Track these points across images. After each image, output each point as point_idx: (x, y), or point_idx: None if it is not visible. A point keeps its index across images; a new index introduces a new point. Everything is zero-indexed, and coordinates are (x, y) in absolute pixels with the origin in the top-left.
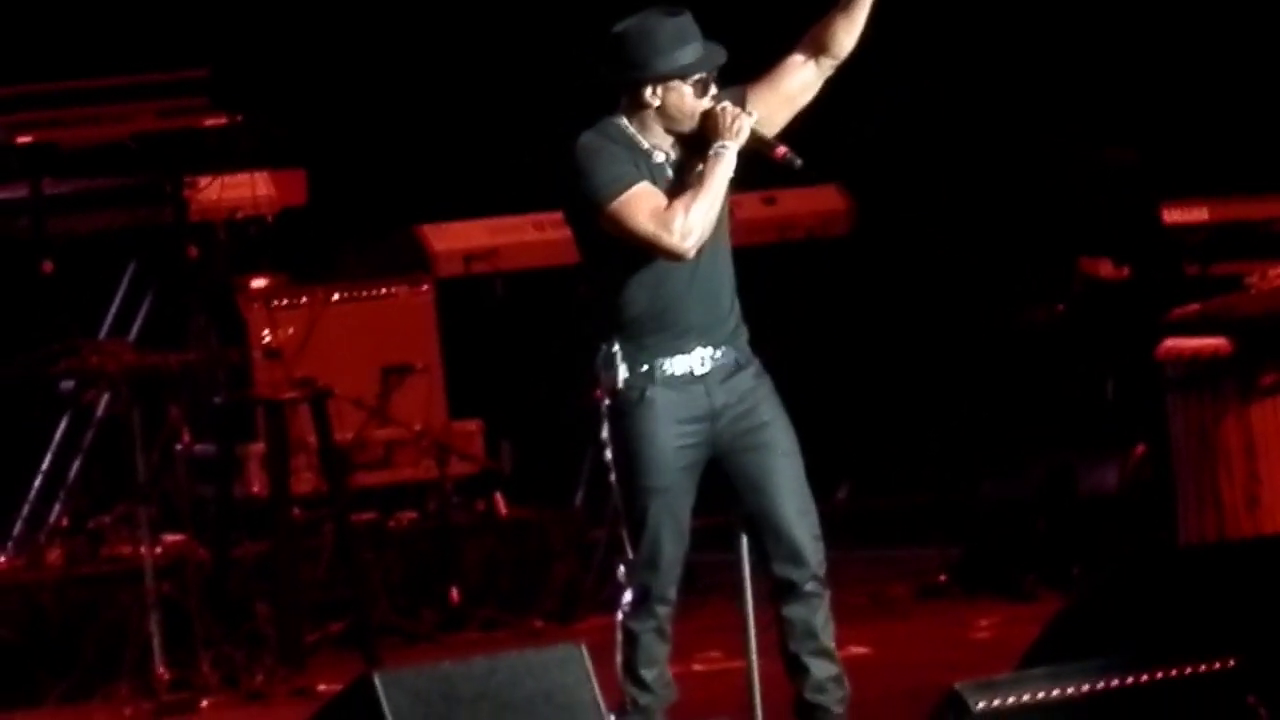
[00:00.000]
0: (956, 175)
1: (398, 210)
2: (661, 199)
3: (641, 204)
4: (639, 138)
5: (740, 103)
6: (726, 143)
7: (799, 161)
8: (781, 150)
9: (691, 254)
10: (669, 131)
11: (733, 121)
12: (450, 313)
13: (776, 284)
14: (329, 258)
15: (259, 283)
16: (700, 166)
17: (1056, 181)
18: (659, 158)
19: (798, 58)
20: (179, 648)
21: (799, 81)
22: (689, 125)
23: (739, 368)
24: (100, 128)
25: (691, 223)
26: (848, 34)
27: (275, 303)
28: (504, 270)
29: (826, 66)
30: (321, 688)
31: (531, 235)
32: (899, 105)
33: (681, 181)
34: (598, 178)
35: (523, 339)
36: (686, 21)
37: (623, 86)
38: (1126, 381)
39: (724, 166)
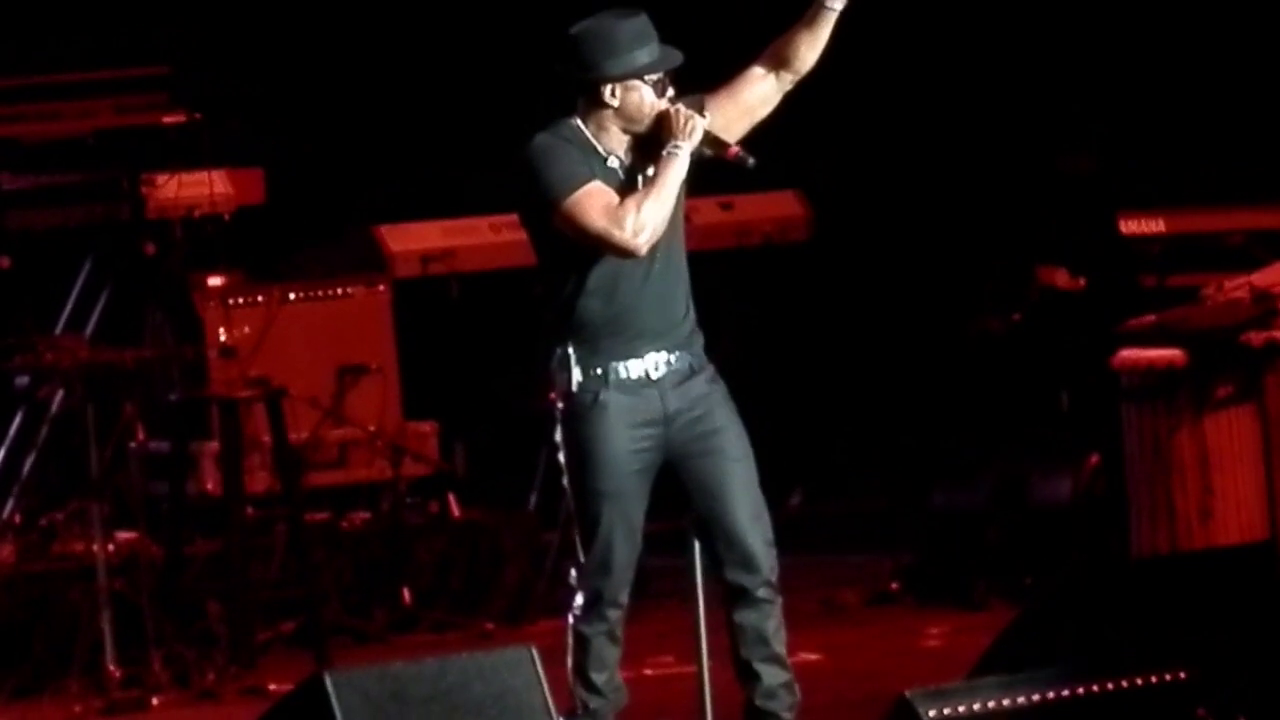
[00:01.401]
0: (914, 183)
1: (355, 210)
2: (614, 196)
3: (594, 201)
4: (594, 140)
5: (698, 109)
6: (679, 143)
7: (752, 160)
8: (734, 150)
9: (643, 251)
10: (626, 132)
11: (685, 122)
12: (406, 314)
13: (733, 289)
14: (286, 257)
15: (215, 281)
16: (653, 168)
17: (1014, 191)
18: (613, 162)
19: (759, 70)
20: (130, 645)
21: (758, 94)
22: (644, 125)
23: (693, 372)
24: (59, 123)
25: (644, 220)
26: (810, 50)
27: (231, 301)
28: (460, 272)
29: (787, 81)
30: (272, 687)
31: (488, 237)
32: None
33: (634, 185)
34: (551, 176)
35: (478, 341)
36: (643, 23)
37: (581, 87)
38: (1081, 391)
39: (677, 167)
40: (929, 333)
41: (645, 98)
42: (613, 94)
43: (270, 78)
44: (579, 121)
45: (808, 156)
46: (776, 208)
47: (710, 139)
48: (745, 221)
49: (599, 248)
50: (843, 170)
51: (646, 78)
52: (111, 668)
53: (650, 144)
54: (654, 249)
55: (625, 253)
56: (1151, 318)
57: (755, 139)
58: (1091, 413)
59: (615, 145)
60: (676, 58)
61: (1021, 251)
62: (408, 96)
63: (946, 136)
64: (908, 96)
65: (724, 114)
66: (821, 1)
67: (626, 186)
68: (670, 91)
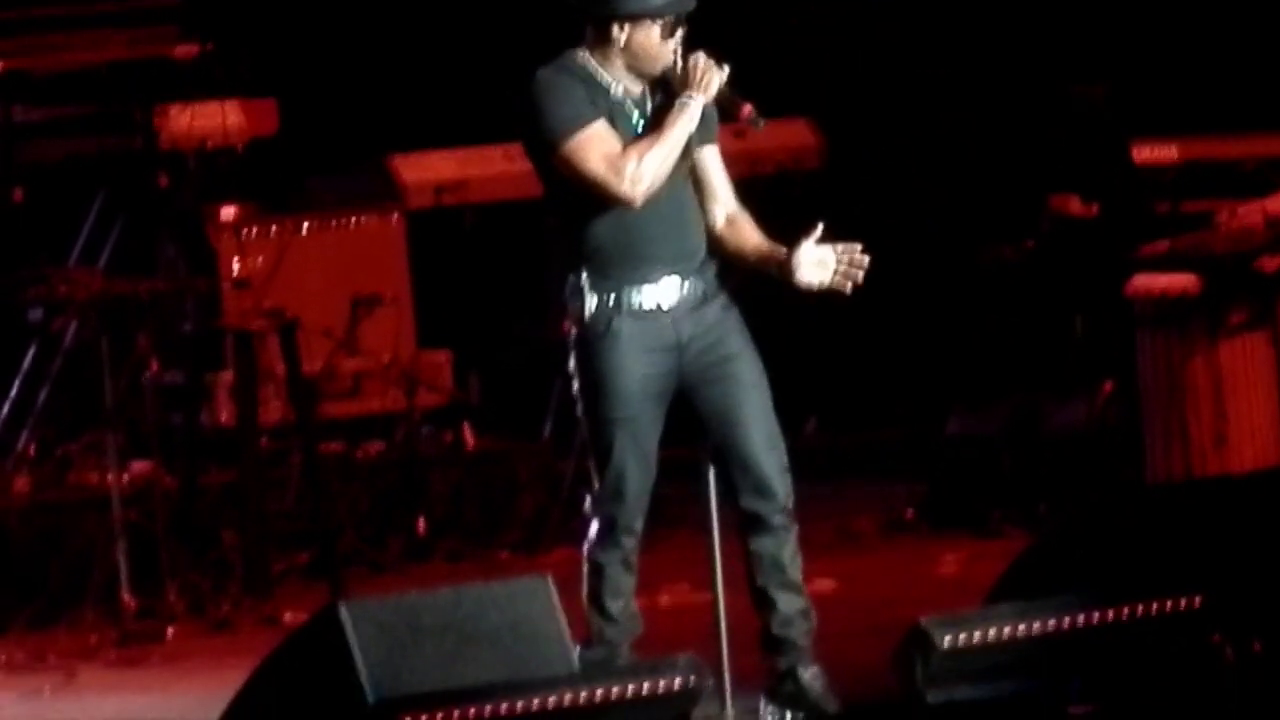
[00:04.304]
0: (926, 111)
1: (368, 141)
2: (616, 143)
3: (595, 146)
4: (600, 72)
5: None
6: (694, 95)
7: (762, 123)
8: (747, 110)
9: (639, 202)
10: (630, 70)
11: (703, 75)
12: (420, 244)
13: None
14: (299, 188)
15: (229, 212)
16: (661, 103)
17: (1026, 118)
18: (618, 92)
19: (723, 207)
20: (145, 576)
21: (707, 196)
22: (651, 67)
23: (706, 299)
24: (71, 55)
25: (644, 170)
26: (727, 254)
27: (245, 232)
28: (474, 201)
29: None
30: (288, 617)
31: (502, 167)
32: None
33: (641, 115)
34: (553, 116)
35: (492, 270)
36: None
37: (591, 19)
38: (1095, 319)
39: (686, 119)
40: (943, 261)
41: (654, 38)
42: (620, 29)
43: (282, 7)
44: (585, 53)
45: (820, 84)
46: (789, 136)
47: (724, 95)
48: (758, 150)
49: (595, 193)
50: (855, 98)
51: (656, 20)
52: (126, 598)
53: (662, 82)
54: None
55: (621, 202)
56: (1165, 244)
57: (767, 68)
58: (1105, 340)
59: (622, 76)
60: (689, 3)
61: (1034, 179)
62: (421, 25)
63: (959, 64)
64: (920, 23)
65: (700, 162)
66: (787, 269)
67: (634, 118)
68: (679, 34)
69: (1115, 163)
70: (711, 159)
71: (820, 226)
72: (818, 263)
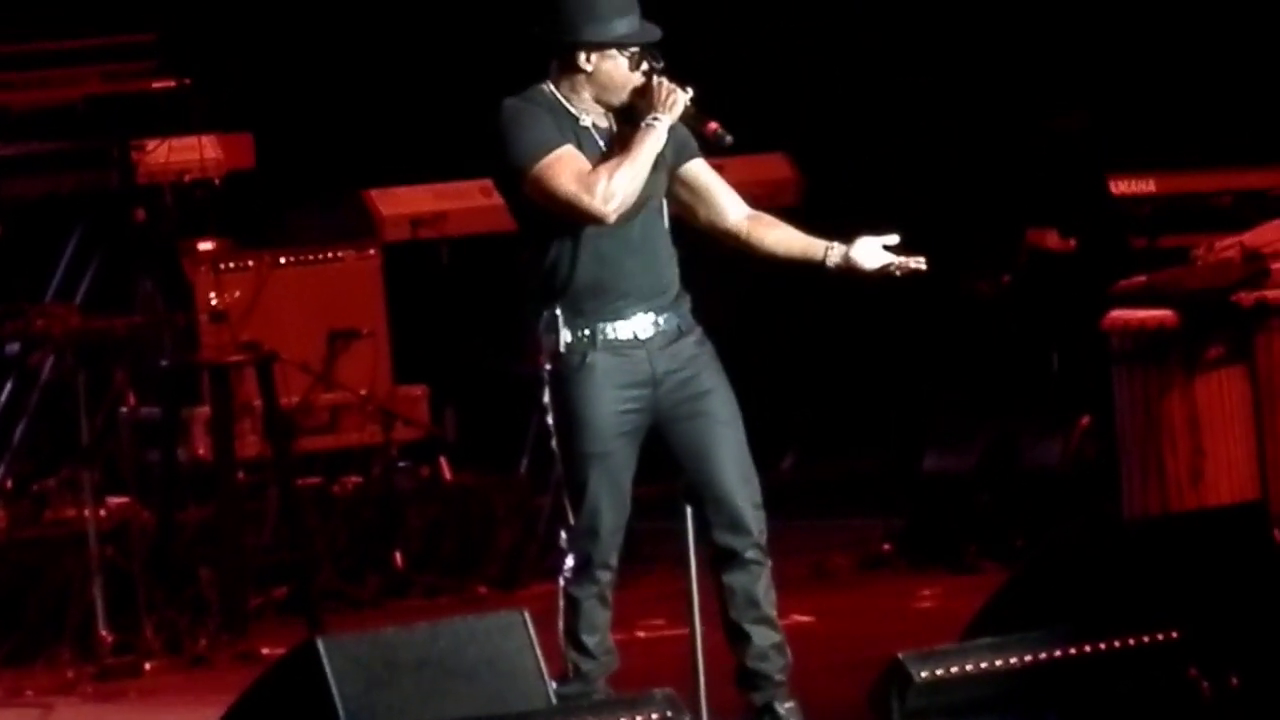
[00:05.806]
0: (904, 146)
1: (345, 174)
2: (585, 163)
3: (564, 167)
4: (566, 103)
5: (688, 144)
6: (660, 115)
7: (729, 138)
8: (713, 126)
9: (612, 219)
10: (598, 101)
11: (668, 95)
12: (396, 278)
13: (721, 252)
14: (276, 222)
15: (205, 246)
16: (629, 133)
17: (1004, 152)
18: (585, 121)
19: (735, 207)
20: (122, 611)
21: (713, 211)
22: (618, 97)
23: (681, 334)
24: (48, 91)
25: (614, 188)
26: (760, 253)
27: (222, 266)
28: (451, 236)
29: (727, 235)
30: (265, 652)
31: (479, 200)
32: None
33: (610, 149)
34: (522, 142)
35: (468, 305)
36: None
37: (556, 50)
38: (1072, 353)
39: (654, 139)
40: (919, 295)
41: (621, 68)
42: (587, 60)
43: (259, 42)
44: (551, 86)
45: (798, 118)
46: (765, 170)
47: (690, 114)
48: (734, 184)
49: (568, 214)
50: (832, 133)
51: (623, 50)
52: (104, 634)
53: (628, 111)
54: (638, 209)
55: (594, 219)
56: (1142, 279)
57: (741, 102)
58: (1082, 374)
59: (589, 108)
60: (655, 33)
61: (1011, 213)
62: (397, 59)
63: (936, 97)
64: (898, 58)
65: (691, 176)
66: (845, 246)
67: (602, 147)
68: (645, 65)
69: (1092, 197)
70: (703, 171)
71: (895, 236)
72: (878, 253)
